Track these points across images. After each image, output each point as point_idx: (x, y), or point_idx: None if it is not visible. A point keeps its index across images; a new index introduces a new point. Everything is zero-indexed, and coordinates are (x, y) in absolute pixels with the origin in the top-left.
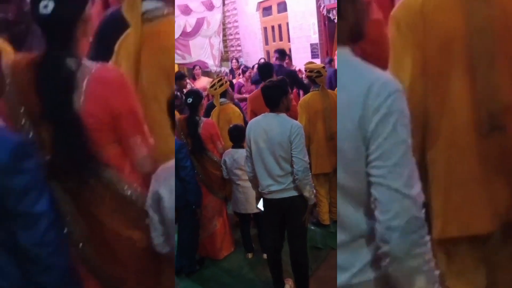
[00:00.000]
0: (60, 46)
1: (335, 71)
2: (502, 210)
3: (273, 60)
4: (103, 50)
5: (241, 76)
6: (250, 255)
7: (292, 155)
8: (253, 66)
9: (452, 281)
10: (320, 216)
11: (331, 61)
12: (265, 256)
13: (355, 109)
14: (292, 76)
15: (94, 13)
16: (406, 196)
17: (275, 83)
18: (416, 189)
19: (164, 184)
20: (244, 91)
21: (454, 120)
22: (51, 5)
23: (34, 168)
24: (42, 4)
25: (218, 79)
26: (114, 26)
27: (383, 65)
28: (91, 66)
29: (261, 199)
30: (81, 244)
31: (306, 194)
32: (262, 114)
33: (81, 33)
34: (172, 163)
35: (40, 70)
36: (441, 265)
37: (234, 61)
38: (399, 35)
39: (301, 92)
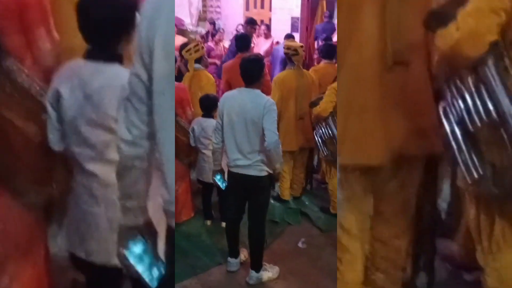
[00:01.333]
0: None
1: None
2: (396, 144)
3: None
4: None
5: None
6: (209, 223)
7: (264, 127)
8: (214, 25)
9: (342, 205)
10: (281, 191)
11: (290, 36)
12: (223, 224)
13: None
14: None
15: None
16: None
17: (254, 58)
18: None
19: (65, 82)
20: (213, 55)
21: (360, 51)
22: None
23: None
24: None
25: (195, 44)
26: None
27: None
28: None
29: (219, 173)
30: None
31: (276, 164)
32: (237, 89)
33: None
34: (77, 62)
35: None
36: (338, 189)
37: (208, 24)
38: None
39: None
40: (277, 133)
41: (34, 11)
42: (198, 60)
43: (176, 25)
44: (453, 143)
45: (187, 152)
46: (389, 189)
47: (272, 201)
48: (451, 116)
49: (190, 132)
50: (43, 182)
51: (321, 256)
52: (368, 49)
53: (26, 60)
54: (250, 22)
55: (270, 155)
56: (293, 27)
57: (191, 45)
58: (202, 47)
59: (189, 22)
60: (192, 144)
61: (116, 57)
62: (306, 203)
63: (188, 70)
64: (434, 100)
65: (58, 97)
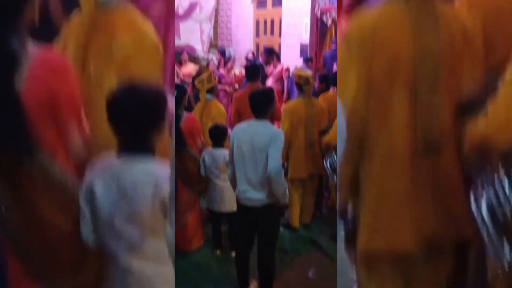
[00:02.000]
0: (5, 25)
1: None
2: (427, 231)
3: (261, 57)
4: (49, 28)
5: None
6: (218, 252)
7: (268, 154)
8: (223, 53)
9: None
10: (290, 218)
11: (308, 60)
12: (233, 254)
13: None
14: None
15: None
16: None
17: (263, 91)
18: None
19: (99, 178)
20: (223, 82)
21: (392, 138)
22: None
23: None
24: None
25: (208, 74)
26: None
27: None
28: (35, 47)
29: None
30: (8, 224)
31: (279, 195)
32: (247, 121)
33: (28, 14)
34: (110, 158)
35: None
36: (362, 278)
37: (218, 55)
38: (348, 51)
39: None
40: (281, 161)
41: (65, 105)
42: (209, 90)
43: (187, 52)
44: (483, 232)
45: (197, 181)
46: (421, 274)
47: (281, 228)
48: (481, 205)
49: (201, 162)
50: (76, 274)
51: (332, 286)
52: (400, 136)
53: (59, 154)
54: (268, 52)
55: (271, 183)
56: (302, 53)
57: (204, 75)
58: (215, 78)
59: (200, 49)
60: (203, 173)
61: (148, 151)
62: (316, 230)
63: (199, 100)
64: (465, 188)
65: (92, 193)
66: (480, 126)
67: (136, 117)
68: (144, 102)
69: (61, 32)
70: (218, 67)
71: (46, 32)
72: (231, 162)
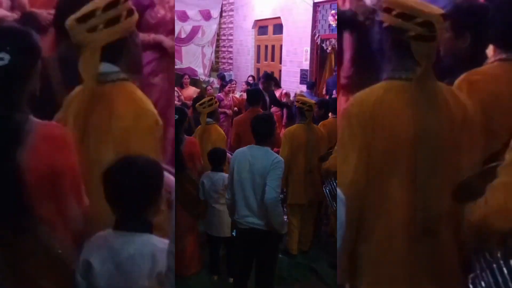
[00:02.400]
0: (9, 99)
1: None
2: None
3: (260, 83)
4: (50, 101)
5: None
6: (215, 277)
7: (266, 183)
8: (223, 78)
9: None
10: (289, 245)
11: (312, 85)
12: (231, 280)
13: None
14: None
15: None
16: None
17: (265, 117)
18: None
19: (96, 254)
20: (222, 105)
21: (389, 220)
22: (6, 58)
23: None
24: None
25: (209, 98)
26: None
27: None
28: (37, 122)
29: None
30: None
31: (276, 225)
32: (248, 146)
33: (30, 88)
34: (107, 232)
35: None
36: None
37: (218, 80)
38: (348, 128)
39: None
40: (279, 191)
41: (66, 179)
42: (210, 114)
43: (189, 75)
44: None
45: (196, 204)
46: None
47: (280, 255)
48: None
49: (200, 186)
50: None
51: None
52: (397, 219)
53: (57, 227)
54: (266, 77)
55: (267, 212)
56: (302, 79)
57: (206, 99)
58: (216, 102)
59: (201, 72)
60: (201, 197)
61: (145, 226)
62: (315, 258)
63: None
64: (463, 270)
65: (88, 268)
66: (479, 209)
67: (133, 192)
68: (140, 177)
69: (63, 105)
70: (219, 90)
71: (48, 104)
72: (231, 187)
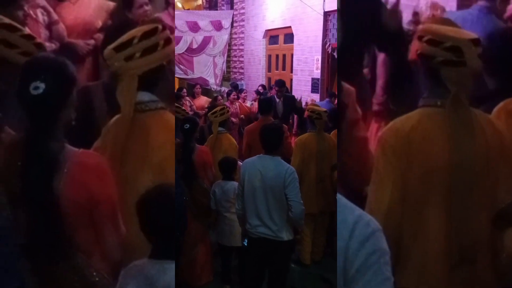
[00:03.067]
0: (44, 128)
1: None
2: None
3: (273, 91)
4: (90, 129)
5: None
6: (227, 287)
7: (289, 199)
8: (236, 87)
9: None
10: (301, 255)
11: (332, 95)
12: None
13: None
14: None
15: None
16: None
17: (274, 127)
18: None
19: (132, 282)
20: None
21: (426, 248)
22: (42, 87)
23: (7, 252)
24: (33, 85)
25: (221, 107)
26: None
27: (362, 179)
28: (73, 150)
29: (246, 236)
30: None
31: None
32: (258, 156)
33: (66, 117)
34: (143, 261)
35: (23, 152)
36: None
37: (226, 89)
38: (383, 157)
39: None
40: (302, 202)
41: (103, 209)
42: (222, 123)
43: (201, 85)
44: None
45: (207, 214)
46: None
47: (292, 265)
48: None
49: (211, 195)
50: None
51: None
52: (434, 247)
53: (94, 255)
54: (280, 84)
55: (293, 223)
56: (313, 88)
57: (217, 108)
58: (228, 111)
59: (213, 82)
60: (213, 207)
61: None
62: (328, 268)
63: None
64: None
65: None
66: None
67: (167, 222)
68: (170, 210)
69: (102, 133)
70: (229, 99)
71: (88, 133)
72: (241, 196)
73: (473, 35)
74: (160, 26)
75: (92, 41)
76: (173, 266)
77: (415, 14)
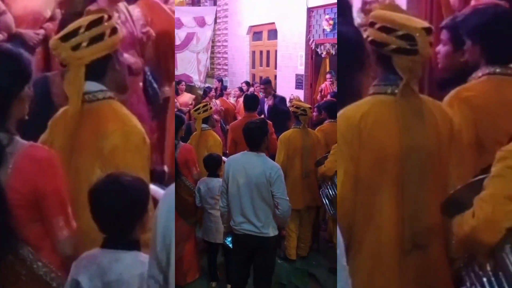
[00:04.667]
0: None
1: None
2: None
3: (256, 89)
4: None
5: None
6: (214, 284)
7: (276, 196)
8: (216, 88)
9: None
10: (287, 250)
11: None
12: (229, 286)
13: None
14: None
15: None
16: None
17: (257, 124)
18: None
19: (84, 272)
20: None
21: (379, 235)
22: None
23: None
24: None
25: (204, 103)
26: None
27: None
28: (22, 143)
29: (229, 234)
30: None
31: (283, 224)
32: (242, 153)
33: (17, 110)
34: (95, 251)
35: None
36: None
37: (216, 82)
38: (338, 144)
39: None
40: (288, 199)
41: (52, 201)
42: (206, 120)
43: (184, 82)
44: None
45: (192, 211)
46: None
47: (278, 260)
48: None
49: (196, 192)
50: None
51: None
52: (387, 233)
53: (44, 249)
54: (266, 82)
55: (279, 220)
56: (298, 84)
57: (200, 105)
58: (211, 107)
59: (197, 79)
60: (198, 204)
61: (132, 244)
62: (314, 263)
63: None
64: (454, 283)
65: (77, 287)
66: (466, 222)
67: (118, 210)
68: (124, 195)
69: (48, 126)
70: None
71: (34, 125)
72: (225, 194)
73: (426, 23)
74: (106, 16)
75: (41, 31)
76: (126, 255)
77: (364, 3)
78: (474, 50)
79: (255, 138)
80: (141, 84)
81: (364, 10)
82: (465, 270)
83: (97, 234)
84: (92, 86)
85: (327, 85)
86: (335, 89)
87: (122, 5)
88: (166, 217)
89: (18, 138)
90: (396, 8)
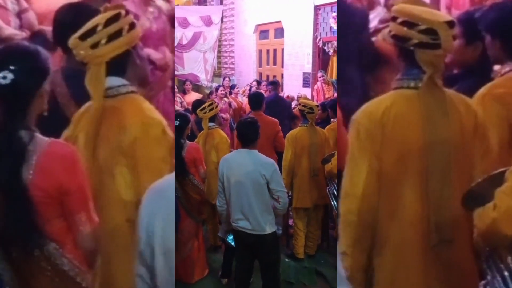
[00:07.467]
0: (14, 117)
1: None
2: None
3: (265, 90)
4: (58, 118)
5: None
6: (225, 281)
7: (275, 189)
8: (219, 86)
9: None
10: (295, 249)
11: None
12: (224, 281)
13: None
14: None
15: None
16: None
17: (249, 122)
18: None
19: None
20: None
21: (403, 230)
22: (9, 77)
23: None
24: (1, 75)
25: (209, 102)
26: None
27: None
28: (43, 140)
29: (230, 232)
30: None
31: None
32: (235, 151)
33: (36, 107)
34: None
35: None
36: None
37: (226, 79)
38: (357, 140)
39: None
40: (286, 193)
41: (74, 197)
42: (212, 119)
43: (191, 81)
44: None
45: (200, 209)
46: None
47: (286, 259)
48: None
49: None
50: None
51: None
52: (412, 228)
53: (66, 244)
54: (273, 84)
55: (279, 213)
56: (305, 83)
57: (206, 104)
58: (216, 106)
59: (204, 78)
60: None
61: None
62: (322, 261)
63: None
64: (480, 277)
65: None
66: (487, 214)
67: None
68: None
69: (71, 122)
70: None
71: (56, 122)
72: (221, 193)
73: (448, 17)
74: (123, 12)
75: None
76: None
77: None
78: (493, 45)
79: (247, 135)
80: (170, 82)
81: (387, 4)
82: (486, 264)
83: (120, 232)
84: (114, 81)
85: (319, 86)
86: (330, 90)
87: (156, 0)
88: (165, 214)
89: (38, 134)
90: (418, 2)
